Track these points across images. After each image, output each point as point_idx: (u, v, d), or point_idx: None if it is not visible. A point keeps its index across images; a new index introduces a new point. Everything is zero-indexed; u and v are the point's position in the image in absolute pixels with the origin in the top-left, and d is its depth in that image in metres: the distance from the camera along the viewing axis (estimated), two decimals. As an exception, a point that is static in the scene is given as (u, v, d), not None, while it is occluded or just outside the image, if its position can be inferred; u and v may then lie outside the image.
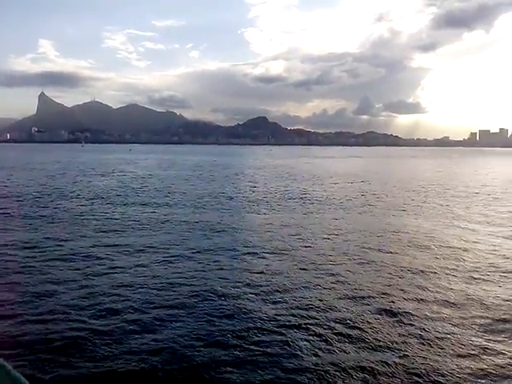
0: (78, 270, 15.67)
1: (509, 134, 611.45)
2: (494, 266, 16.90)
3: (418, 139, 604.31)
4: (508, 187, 49.50)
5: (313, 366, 9.33)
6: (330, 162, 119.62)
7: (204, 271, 15.74)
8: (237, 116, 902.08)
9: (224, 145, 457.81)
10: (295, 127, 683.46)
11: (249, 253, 18.50)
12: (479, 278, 15.38)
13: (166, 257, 17.65)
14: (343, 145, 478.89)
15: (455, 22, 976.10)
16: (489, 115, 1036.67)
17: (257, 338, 10.54)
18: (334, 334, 10.81)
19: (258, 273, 15.62)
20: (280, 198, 37.23)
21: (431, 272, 16.07)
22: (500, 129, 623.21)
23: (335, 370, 9.20)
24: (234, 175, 64.16)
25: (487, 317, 12.00)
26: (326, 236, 22.15)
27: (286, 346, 10.15)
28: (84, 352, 9.75)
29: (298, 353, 9.88)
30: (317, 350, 10.02)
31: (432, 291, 13.99)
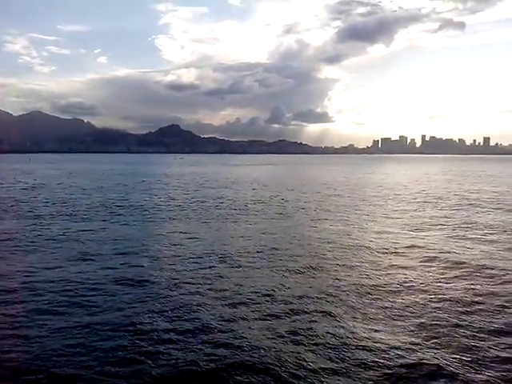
0: None
1: (408, 142, 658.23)
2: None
3: (325, 147, 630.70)
4: (404, 188, 53.28)
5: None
6: (243, 169, 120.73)
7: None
8: (149, 124, 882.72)
9: (135, 153, 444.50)
10: (209, 135, 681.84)
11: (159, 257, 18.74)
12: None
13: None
14: (256, 153, 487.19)
15: (358, 35, 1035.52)
16: (390, 124, 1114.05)
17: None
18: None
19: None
20: (180, 206, 37.01)
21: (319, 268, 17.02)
22: (400, 136, 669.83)
23: None
24: (133, 184, 62.34)
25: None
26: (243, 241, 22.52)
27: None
28: None
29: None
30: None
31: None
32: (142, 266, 17.49)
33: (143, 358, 9.96)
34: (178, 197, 44.13)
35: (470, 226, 27.62)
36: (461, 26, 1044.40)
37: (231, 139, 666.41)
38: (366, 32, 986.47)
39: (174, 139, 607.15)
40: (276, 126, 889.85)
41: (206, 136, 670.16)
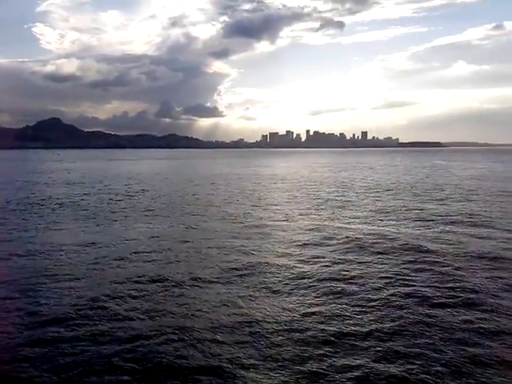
0: None
1: (294, 136, 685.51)
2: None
3: (217, 141, 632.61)
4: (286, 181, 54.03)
5: None
6: (123, 164, 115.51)
7: None
8: (26, 117, 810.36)
9: (10, 149, 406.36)
10: (94, 129, 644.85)
11: None
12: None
13: None
14: (146, 147, 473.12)
15: (245, 31, 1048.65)
16: (277, 119, 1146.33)
17: None
18: None
19: None
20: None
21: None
22: (287, 131, 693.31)
23: None
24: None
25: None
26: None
27: None
28: None
29: None
30: None
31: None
32: None
33: None
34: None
35: (345, 205, 28.96)
36: (340, 25, 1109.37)
37: (118, 133, 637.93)
38: (251, 28, 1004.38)
39: (54, 134, 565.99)
40: (166, 119, 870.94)
41: (90, 130, 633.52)
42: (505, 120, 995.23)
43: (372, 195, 38.97)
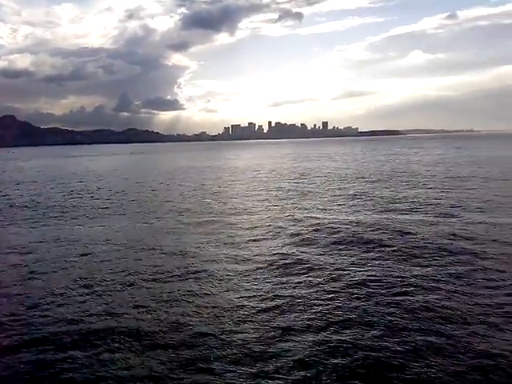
0: None
1: (256, 128, 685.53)
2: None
3: (178, 135, 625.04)
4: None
5: None
6: (86, 160, 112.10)
7: None
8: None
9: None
10: (50, 126, 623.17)
11: None
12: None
13: None
14: (105, 143, 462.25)
15: (203, 23, 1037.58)
16: (239, 111, 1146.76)
17: None
18: None
19: None
20: None
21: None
22: (249, 123, 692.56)
23: None
24: None
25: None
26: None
27: None
28: None
29: None
30: None
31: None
32: None
33: None
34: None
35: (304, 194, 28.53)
36: (299, 16, 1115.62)
37: (76, 129, 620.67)
38: (210, 20, 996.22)
39: (9, 131, 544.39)
40: (125, 114, 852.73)
41: (46, 127, 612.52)
42: (459, 107, 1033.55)
43: (332, 184, 39.03)
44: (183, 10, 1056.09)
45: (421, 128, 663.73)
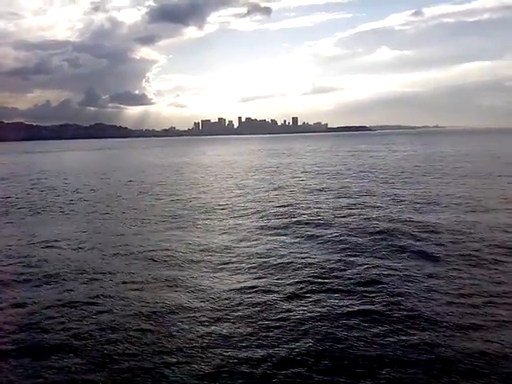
0: None
1: (226, 123, 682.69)
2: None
3: (147, 130, 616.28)
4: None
5: None
6: (48, 156, 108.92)
7: None
8: None
9: None
10: (14, 121, 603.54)
11: None
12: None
13: None
14: (71, 138, 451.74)
15: (171, 16, 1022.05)
16: (209, 106, 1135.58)
17: None
18: None
19: None
20: None
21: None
22: (219, 118, 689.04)
23: None
24: None
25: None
26: None
27: None
28: None
29: None
30: None
31: None
32: None
33: None
34: None
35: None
36: (267, 11, 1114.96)
37: (41, 124, 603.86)
38: (178, 13, 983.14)
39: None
40: (92, 108, 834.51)
41: (10, 121, 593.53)
42: (425, 103, 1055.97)
43: (299, 179, 39.06)
44: (150, 2, 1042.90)
45: (389, 124, 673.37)
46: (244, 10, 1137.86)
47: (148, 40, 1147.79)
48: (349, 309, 11.15)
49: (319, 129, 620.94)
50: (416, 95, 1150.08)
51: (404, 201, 26.51)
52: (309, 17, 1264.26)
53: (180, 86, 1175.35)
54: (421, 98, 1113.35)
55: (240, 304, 11.64)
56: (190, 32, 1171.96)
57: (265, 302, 11.75)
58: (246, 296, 12.16)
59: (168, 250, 17.14)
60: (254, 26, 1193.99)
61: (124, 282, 13.60)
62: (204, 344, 9.60)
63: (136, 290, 12.95)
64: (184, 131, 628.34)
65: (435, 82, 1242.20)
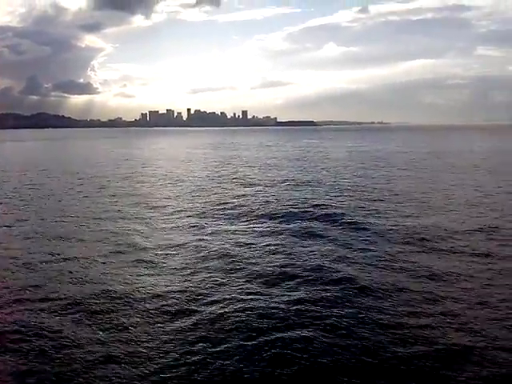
0: None
1: (175, 115, 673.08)
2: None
3: (91, 120, 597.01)
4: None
5: None
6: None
7: None
8: None
9: None
10: None
11: None
12: None
13: None
14: (11, 128, 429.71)
15: (116, 4, 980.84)
16: (157, 97, 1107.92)
17: None
18: None
19: None
20: None
21: None
22: (167, 109, 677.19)
23: None
24: None
25: None
26: None
27: None
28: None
29: None
30: None
31: None
32: None
33: None
34: None
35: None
36: (216, 2, 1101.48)
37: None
38: (124, 1, 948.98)
39: None
40: (34, 97, 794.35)
41: None
42: (371, 99, 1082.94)
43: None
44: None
45: (336, 119, 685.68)
46: (193, 0, 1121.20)
47: (93, 27, 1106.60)
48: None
49: (268, 123, 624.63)
50: (362, 92, 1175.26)
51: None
52: (258, 10, 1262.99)
53: (127, 76, 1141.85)
54: (366, 95, 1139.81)
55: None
56: (138, 21, 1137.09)
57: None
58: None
59: (96, 245, 16.68)
60: (203, 17, 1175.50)
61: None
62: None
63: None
64: (131, 122, 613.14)
65: (380, 79, 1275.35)
